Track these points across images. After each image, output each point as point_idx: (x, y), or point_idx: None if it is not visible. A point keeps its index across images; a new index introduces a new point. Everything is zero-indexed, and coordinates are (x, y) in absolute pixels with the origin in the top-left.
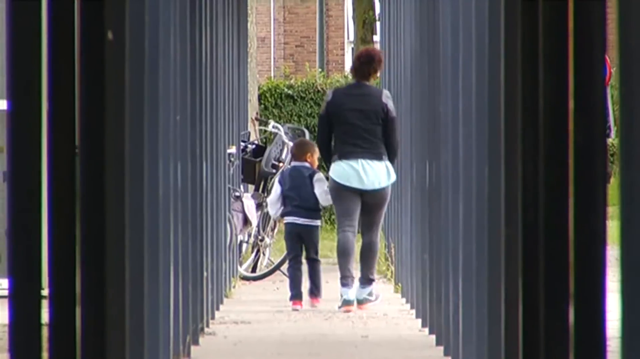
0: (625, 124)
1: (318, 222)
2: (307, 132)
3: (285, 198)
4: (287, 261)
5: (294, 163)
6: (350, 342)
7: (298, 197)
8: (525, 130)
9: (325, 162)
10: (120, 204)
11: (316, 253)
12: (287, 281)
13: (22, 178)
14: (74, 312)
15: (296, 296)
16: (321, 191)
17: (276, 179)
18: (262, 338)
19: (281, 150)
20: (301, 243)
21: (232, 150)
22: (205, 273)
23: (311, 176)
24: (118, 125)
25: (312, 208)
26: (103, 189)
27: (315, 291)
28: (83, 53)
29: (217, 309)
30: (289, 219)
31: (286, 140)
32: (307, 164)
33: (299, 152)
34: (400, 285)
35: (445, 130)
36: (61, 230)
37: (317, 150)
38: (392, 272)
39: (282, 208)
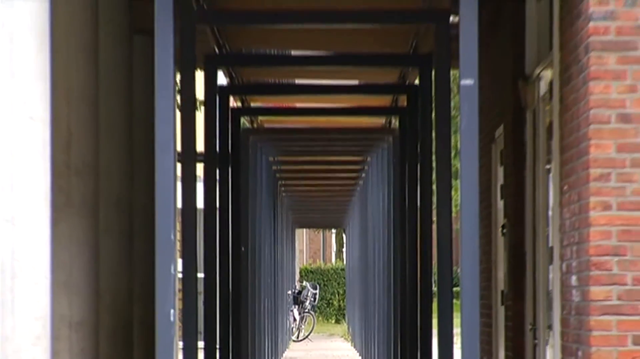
0: (440, 285)
1: None
2: (318, 286)
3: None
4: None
5: None
6: None
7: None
8: (402, 288)
9: None
10: (245, 318)
11: None
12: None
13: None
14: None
15: None
16: None
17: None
18: None
19: (307, 292)
20: None
21: (289, 292)
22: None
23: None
24: (242, 285)
25: None
26: (239, 313)
27: None
28: (229, 260)
29: (284, 352)
30: None
31: (309, 288)
32: None
33: None
34: (353, 343)
35: (373, 292)
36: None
37: None
38: (350, 338)
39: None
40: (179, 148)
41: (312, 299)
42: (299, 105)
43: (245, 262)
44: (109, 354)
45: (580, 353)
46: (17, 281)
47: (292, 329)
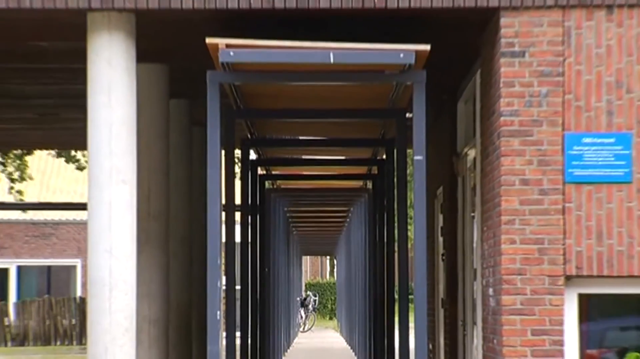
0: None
1: None
2: (317, 294)
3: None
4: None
5: None
6: (329, 350)
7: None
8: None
9: None
10: (268, 316)
11: None
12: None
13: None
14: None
15: None
16: None
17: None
18: (307, 347)
19: (310, 299)
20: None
21: (298, 298)
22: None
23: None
24: (266, 294)
25: None
26: (264, 313)
27: None
28: (257, 277)
29: (294, 339)
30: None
31: (312, 296)
32: None
33: None
34: (342, 333)
35: (354, 299)
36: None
37: None
38: (339, 330)
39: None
40: (223, 201)
41: (314, 303)
42: (304, 172)
43: (268, 278)
44: (175, 343)
45: (495, 341)
46: (113, 292)
47: (300, 324)
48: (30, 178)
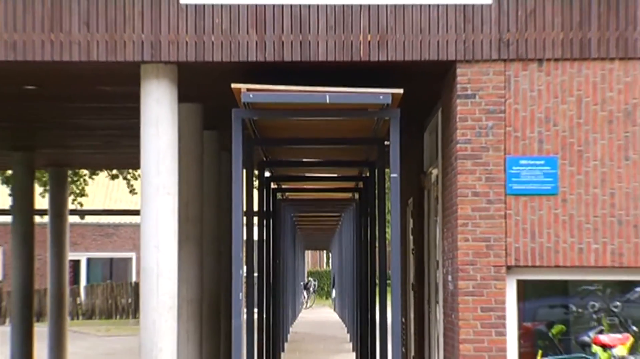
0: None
1: None
2: (317, 280)
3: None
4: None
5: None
6: (325, 322)
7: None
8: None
9: None
10: (279, 296)
11: None
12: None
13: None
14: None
15: None
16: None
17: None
18: (309, 320)
19: (311, 283)
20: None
21: (302, 283)
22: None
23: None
24: (278, 280)
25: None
26: (277, 294)
27: None
28: (270, 267)
29: (299, 314)
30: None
31: (311, 281)
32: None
33: None
34: (336, 310)
35: (344, 283)
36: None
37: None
38: (334, 307)
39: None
40: (245, 209)
41: (314, 287)
42: (307, 186)
43: (279, 268)
44: (207, 318)
45: (453, 316)
46: (160, 279)
47: (303, 302)
48: (86, 195)
